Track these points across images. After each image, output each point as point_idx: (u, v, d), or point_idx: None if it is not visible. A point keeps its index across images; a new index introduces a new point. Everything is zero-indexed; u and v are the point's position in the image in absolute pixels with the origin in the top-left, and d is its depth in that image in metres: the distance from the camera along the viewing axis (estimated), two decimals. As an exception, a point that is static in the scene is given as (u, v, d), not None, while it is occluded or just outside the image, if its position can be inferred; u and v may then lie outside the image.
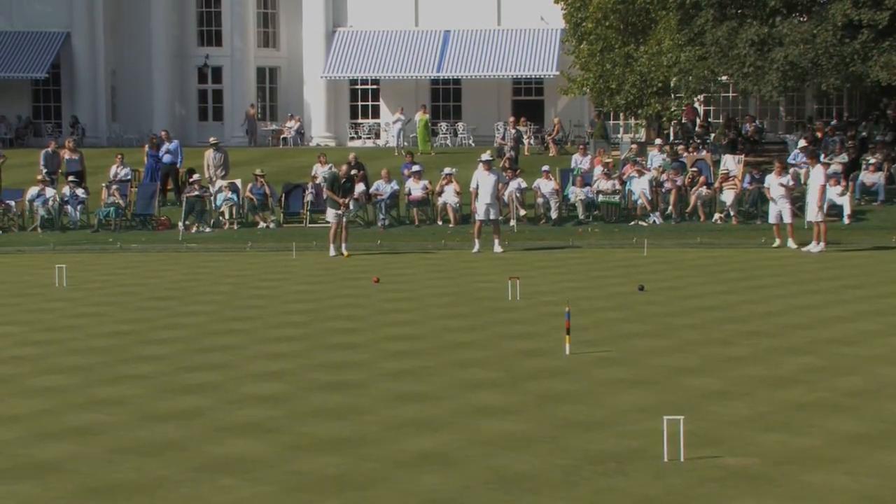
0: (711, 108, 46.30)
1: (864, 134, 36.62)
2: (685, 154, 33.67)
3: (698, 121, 43.22)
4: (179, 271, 22.91)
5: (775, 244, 25.34)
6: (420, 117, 43.77)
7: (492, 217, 25.54)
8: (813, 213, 25.26)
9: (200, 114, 52.69)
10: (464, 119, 50.40)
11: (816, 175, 25.41)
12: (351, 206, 26.48)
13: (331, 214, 25.44)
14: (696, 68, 34.01)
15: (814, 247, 24.56)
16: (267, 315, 16.90)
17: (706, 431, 9.94)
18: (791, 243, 24.92)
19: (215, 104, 52.55)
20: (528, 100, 50.64)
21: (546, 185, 30.75)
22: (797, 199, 30.43)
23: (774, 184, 25.63)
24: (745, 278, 20.23)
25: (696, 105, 44.04)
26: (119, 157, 34.52)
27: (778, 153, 38.71)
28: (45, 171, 33.39)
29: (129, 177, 33.35)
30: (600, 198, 30.95)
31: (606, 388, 11.74)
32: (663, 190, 30.86)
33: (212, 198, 31.48)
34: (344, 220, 25.28)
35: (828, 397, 11.19)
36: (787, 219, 25.21)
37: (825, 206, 25.04)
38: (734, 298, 17.75)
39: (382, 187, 30.93)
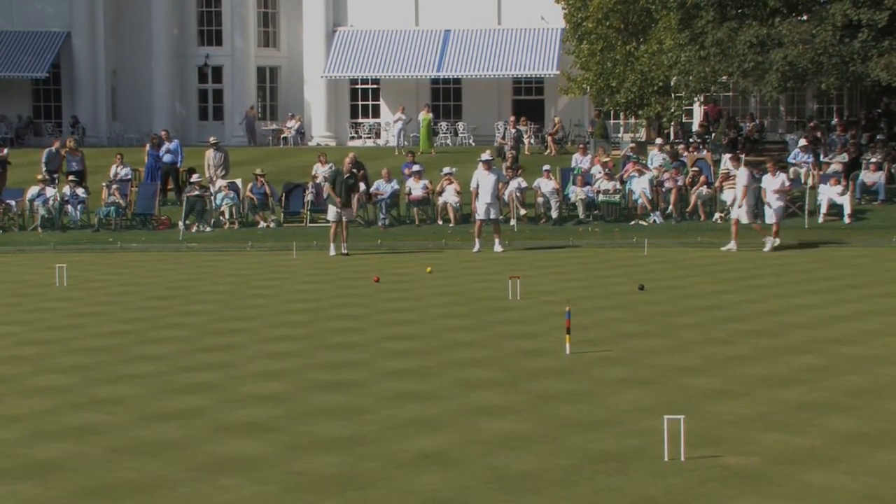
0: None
1: (863, 133, 36.63)
2: (685, 153, 33.67)
3: (698, 120, 43.29)
4: (180, 271, 22.91)
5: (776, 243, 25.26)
6: (423, 117, 43.78)
7: (492, 216, 25.54)
8: (736, 212, 25.36)
9: (201, 113, 52.74)
10: (464, 119, 50.42)
11: (741, 176, 25.47)
12: (354, 209, 26.25)
13: (332, 213, 25.42)
14: (696, 69, 34.02)
15: (769, 242, 24.79)
16: (267, 314, 16.90)
17: (706, 431, 9.94)
18: (776, 241, 24.97)
19: (215, 104, 52.58)
20: (528, 99, 50.66)
21: (546, 185, 30.75)
22: (796, 199, 30.48)
23: (769, 185, 25.70)
24: (745, 277, 20.23)
25: (696, 105, 44.09)
26: (119, 156, 34.52)
27: (778, 153, 38.72)
28: (45, 170, 33.39)
29: (129, 176, 33.36)
30: (600, 197, 30.94)
31: (607, 387, 11.74)
32: (664, 189, 30.85)
33: (212, 197, 31.49)
34: (345, 219, 25.25)
35: (828, 397, 11.19)
36: (770, 219, 25.28)
37: (745, 206, 25.10)
38: (734, 298, 17.75)
39: (383, 187, 30.94)
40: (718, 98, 44.04)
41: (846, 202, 29.51)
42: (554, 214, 30.37)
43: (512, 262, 23.19)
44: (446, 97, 51.21)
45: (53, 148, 34.94)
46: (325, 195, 26.63)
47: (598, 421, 10.40)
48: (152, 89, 51.30)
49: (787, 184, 25.64)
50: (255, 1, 51.45)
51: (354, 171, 26.28)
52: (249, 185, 31.88)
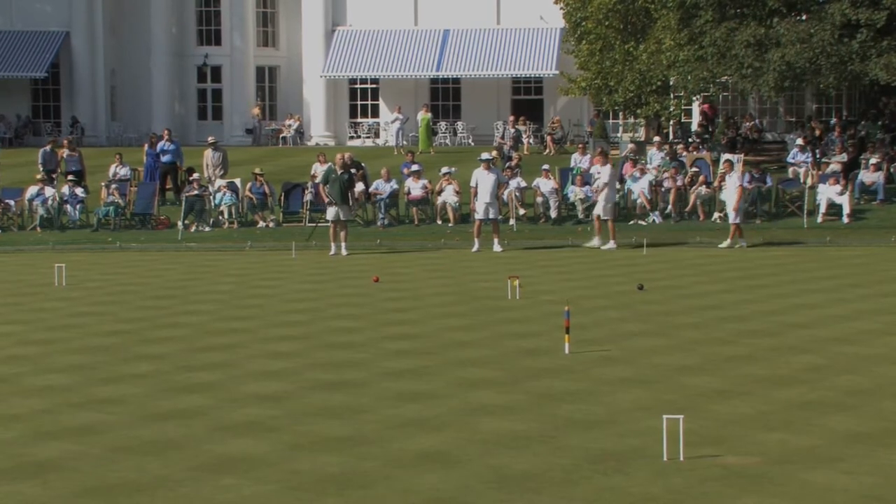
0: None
1: (863, 133, 36.64)
2: (685, 153, 33.67)
3: (697, 120, 43.27)
4: (179, 270, 22.90)
5: (724, 244, 25.25)
6: (422, 116, 43.79)
7: (491, 216, 25.54)
8: (599, 208, 25.91)
9: (200, 113, 52.73)
10: (463, 118, 50.44)
11: (604, 173, 25.96)
12: (351, 204, 26.00)
13: (330, 213, 25.41)
14: (694, 69, 34.02)
15: (596, 242, 25.47)
16: (267, 314, 16.90)
17: (706, 430, 9.94)
18: (728, 242, 25.05)
19: (214, 103, 52.57)
20: (527, 99, 50.68)
21: (546, 185, 30.74)
22: (796, 198, 30.48)
23: (728, 184, 25.94)
24: (744, 277, 20.23)
25: (696, 104, 44.09)
26: (118, 156, 34.49)
27: (777, 152, 38.77)
28: (43, 169, 33.35)
29: (128, 176, 33.36)
30: (600, 197, 30.91)
31: (606, 386, 11.73)
32: (663, 189, 30.86)
33: (211, 197, 31.48)
34: (342, 218, 25.20)
35: (828, 396, 11.18)
36: (732, 219, 25.42)
37: (603, 202, 25.70)
38: (734, 297, 17.75)
39: (382, 186, 30.94)
40: (717, 98, 44.06)
41: (845, 202, 29.50)
42: (553, 214, 30.37)
43: (511, 261, 23.19)
44: (445, 97, 51.22)
45: (48, 147, 34.86)
46: (325, 199, 26.52)
47: (598, 420, 10.40)
48: (151, 89, 51.31)
49: (738, 184, 25.67)
50: (254, 0, 51.46)
51: (353, 169, 26.24)
52: (249, 185, 31.87)
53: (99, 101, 51.14)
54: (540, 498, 8.31)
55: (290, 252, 25.51)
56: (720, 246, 25.01)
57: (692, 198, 30.31)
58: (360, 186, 29.69)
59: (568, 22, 41.79)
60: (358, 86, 51.77)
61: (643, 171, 31.13)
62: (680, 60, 34.91)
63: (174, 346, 14.37)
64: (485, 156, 26.45)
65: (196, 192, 30.80)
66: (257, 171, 32.19)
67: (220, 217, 31.27)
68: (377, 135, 50.87)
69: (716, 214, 29.83)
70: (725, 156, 31.01)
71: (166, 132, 36.01)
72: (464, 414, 10.71)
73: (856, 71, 31.61)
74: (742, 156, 34.45)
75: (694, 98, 40.91)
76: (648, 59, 37.43)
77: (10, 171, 35.66)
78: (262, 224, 30.91)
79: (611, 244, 25.28)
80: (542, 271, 21.46)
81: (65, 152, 34.00)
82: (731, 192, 25.65)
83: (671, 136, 42.63)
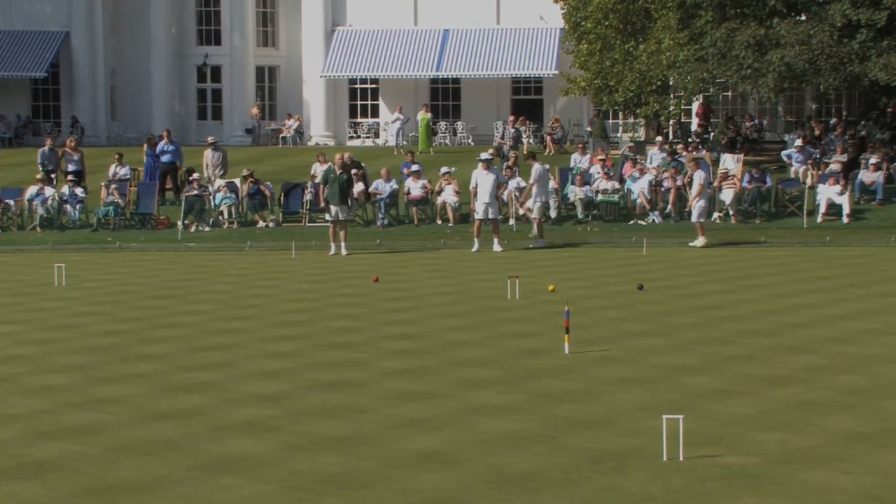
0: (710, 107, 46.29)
1: (863, 133, 36.64)
2: (684, 153, 33.67)
3: (697, 120, 43.27)
4: (179, 270, 22.90)
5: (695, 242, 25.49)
6: (422, 116, 43.79)
7: (491, 216, 25.55)
8: (529, 204, 26.68)
9: (199, 113, 52.72)
10: (463, 118, 50.42)
11: (533, 172, 26.53)
12: (351, 204, 25.99)
13: (330, 213, 25.37)
14: (694, 69, 34.01)
15: (699, 241, 25.60)
16: (266, 314, 16.90)
17: (706, 430, 9.94)
18: (699, 241, 25.19)
19: (214, 103, 52.57)
20: (527, 99, 50.67)
21: (545, 185, 30.70)
22: (796, 198, 30.50)
23: (694, 180, 26.17)
24: (744, 277, 20.23)
25: (695, 104, 44.07)
26: (118, 156, 34.46)
27: (777, 152, 38.76)
28: (42, 169, 33.30)
29: (128, 176, 33.33)
30: (599, 197, 30.95)
31: (606, 386, 11.74)
32: (662, 189, 30.86)
33: (211, 197, 31.47)
34: (341, 217, 25.19)
35: (827, 396, 11.19)
36: (695, 217, 25.63)
37: (540, 203, 26.49)
38: (733, 297, 17.75)
39: (382, 186, 30.94)
40: (717, 98, 44.05)
41: (845, 202, 29.51)
42: (553, 214, 30.35)
43: (511, 261, 23.19)
44: (445, 97, 51.22)
45: (47, 147, 34.81)
46: (324, 197, 26.51)
47: (598, 420, 10.41)
48: (151, 89, 51.29)
49: (700, 183, 25.84)
50: (254, 0, 51.46)
51: (352, 169, 26.20)
52: (247, 186, 31.85)
53: (99, 101, 51.12)
54: (540, 498, 8.31)
55: (289, 252, 25.51)
56: (691, 244, 25.14)
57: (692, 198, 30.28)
58: (359, 186, 29.69)
59: (568, 22, 41.75)
60: (358, 86, 51.76)
61: (643, 171, 31.16)
62: (680, 60, 34.90)
63: (173, 346, 14.38)
64: (484, 156, 26.48)
65: (196, 192, 30.80)
66: (245, 172, 32.07)
67: (220, 217, 31.26)
68: (377, 135, 50.86)
69: (715, 214, 29.83)
70: (717, 154, 31.13)
71: (166, 132, 35.94)
72: (463, 414, 10.71)
73: (855, 72, 31.60)
74: (742, 156, 34.45)
75: (694, 98, 40.91)
76: (648, 59, 37.40)
77: (10, 171, 35.62)
78: (261, 224, 30.91)
79: (539, 242, 25.87)
80: (542, 271, 21.46)
81: (65, 150, 33.92)
82: (694, 189, 25.94)
83: (671, 136, 42.62)
